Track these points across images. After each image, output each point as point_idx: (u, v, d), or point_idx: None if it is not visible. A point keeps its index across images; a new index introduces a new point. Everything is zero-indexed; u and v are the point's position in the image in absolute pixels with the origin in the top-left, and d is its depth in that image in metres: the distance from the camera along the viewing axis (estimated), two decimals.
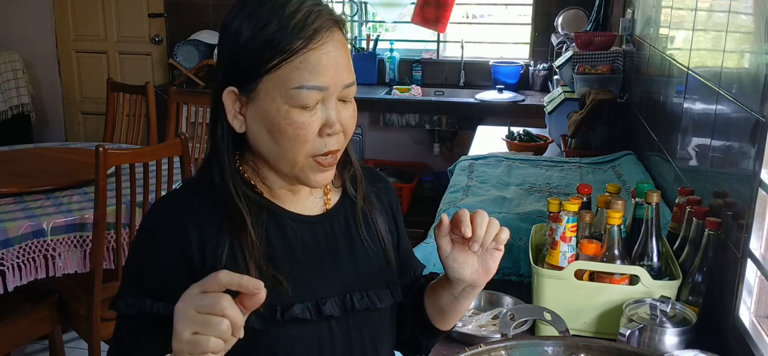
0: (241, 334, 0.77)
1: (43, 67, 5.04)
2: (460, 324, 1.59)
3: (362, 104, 4.29)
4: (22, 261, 2.37)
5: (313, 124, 0.97)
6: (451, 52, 4.75)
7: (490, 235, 0.96)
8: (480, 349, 1.01)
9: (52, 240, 2.41)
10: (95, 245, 2.42)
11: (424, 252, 1.86)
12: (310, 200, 1.09)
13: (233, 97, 1.00)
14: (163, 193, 2.58)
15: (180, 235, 0.97)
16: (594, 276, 1.58)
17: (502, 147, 3.13)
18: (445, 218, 0.98)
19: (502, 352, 1.02)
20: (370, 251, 1.10)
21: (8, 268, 2.32)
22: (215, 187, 1.02)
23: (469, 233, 0.94)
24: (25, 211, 2.46)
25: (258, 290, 0.75)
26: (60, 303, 2.64)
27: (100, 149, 2.33)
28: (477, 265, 0.99)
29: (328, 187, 1.12)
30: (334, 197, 1.11)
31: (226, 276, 0.75)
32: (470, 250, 0.95)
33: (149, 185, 2.53)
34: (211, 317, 0.75)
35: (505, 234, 0.98)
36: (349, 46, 1.06)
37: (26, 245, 2.37)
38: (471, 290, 1.04)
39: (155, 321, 0.95)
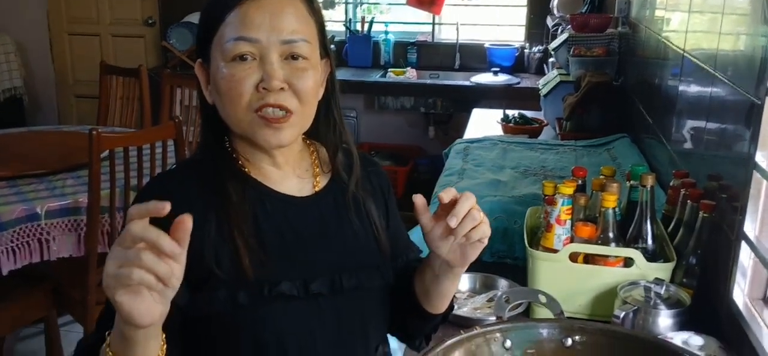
0: (176, 250, 0.75)
1: (35, 50, 5.00)
2: (455, 307, 1.59)
3: (357, 87, 4.30)
4: (17, 245, 2.36)
5: (246, 79, 0.98)
6: (446, 34, 4.73)
7: (466, 226, 0.95)
8: (475, 332, 1.01)
9: (46, 224, 2.40)
10: (90, 229, 2.41)
11: (420, 235, 1.86)
12: (298, 182, 1.09)
13: (202, 69, 1.05)
14: None
15: (168, 216, 0.98)
16: (589, 259, 1.58)
17: (497, 130, 3.13)
18: (419, 198, 0.98)
19: (498, 335, 1.02)
20: (359, 233, 1.10)
21: (2, 252, 2.32)
22: (203, 165, 1.03)
23: (446, 199, 0.95)
24: (18, 195, 2.45)
25: (161, 208, 0.74)
26: (55, 287, 2.63)
27: (94, 132, 2.32)
28: (455, 246, 1.00)
29: (316, 169, 1.11)
30: (322, 181, 1.11)
31: (135, 209, 0.75)
32: (449, 223, 0.95)
33: (143, 168, 2.52)
34: (128, 250, 0.74)
35: (486, 230, 0.98)
36: (313, 9, 1.05)
37: (20, 229, 2.36)
38: (449, 271, 1.04)
39: None
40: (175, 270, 0.76)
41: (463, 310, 1.60)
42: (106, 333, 0.85)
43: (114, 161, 2.41)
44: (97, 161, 2.33)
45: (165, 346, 0.85)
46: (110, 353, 0.83)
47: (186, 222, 0.76)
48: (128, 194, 2.50)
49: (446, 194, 0.96)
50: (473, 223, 0.96)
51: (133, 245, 0.74)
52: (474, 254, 1.00)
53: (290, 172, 1.08)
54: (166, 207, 0.75)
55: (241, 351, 1.01)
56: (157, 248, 0.74)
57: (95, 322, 1.01)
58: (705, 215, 1.49)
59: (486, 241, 0.99)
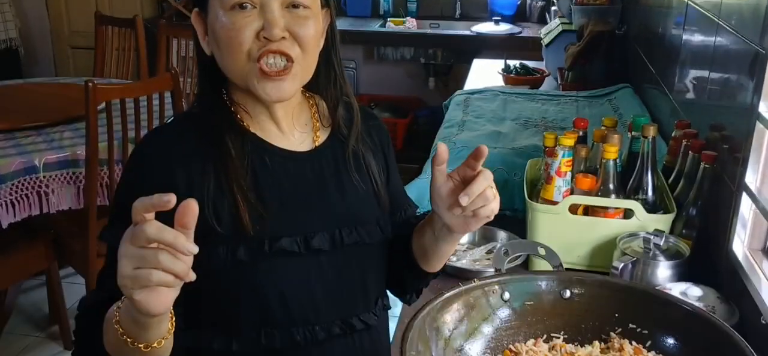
0: (193, 250, 0.74)
1: (30, 0, 4.92)
2: (454, 259, 1.59)
3: (356, 37, 4.24)
4: (16, 198, 2.36)
5: (246, 27, 0.95)
6: None
7: (476, 204, 0.94)
8: (474, 284, 1.01)
9: (44, 177, 2.40)
10: (88, 181, 2.41)
11: (419, 188, 1.85)
12: (297, 136, 1.07)
13: (199, 19, 1.02)
14: None
15: (166, 168, 0.97)
16: (588, 211, 1.58)
17: (498, 81, 3.10)
18: (443, 148, 0.96)
19: (496, 287, 1.02)
20: (359, 188, 1.09)
21: (2, 205, 2.31)
22: (201, 119, 1.02)
23: (463, 201, 0.92)
24: (16, 147, 2.44)
25: (167, 202, 0.72)
26: (55, 239, 2.64)
27: (90, 84, 2.29)
28: (459, 212, 0.98)
29: (316, 123, 1.10)
30: (322, 135, 1.09)
31: (139, 204, 0.73)
32: (458, 197, 0.93)
33: (141, 120, 2.51)
34: (144, 250, 0.73)
35: (495, 208, 0.96)
36: None
37: (19, 181, 2.36)
38: (449, 234, 1.03)
39: None
40: (191, 263, 0.75)
41: (461, 262, 1.60)
42: (115, 308, 0.83)
43: (111, 113, 2.39)
44: (94, 114, 2.31)
45: (173, 319, 0.85)
46: (120, 330, 0.82)
47: (193, 207, 0.74)
48: (126, 147, 2.49)
49: (478, 158, 0.92)
50: (484, 202, 0.93)
51: (147, 244, 0.73)
52: (477, 226, 0.99)
53: (290, 126, 1.07)
54: (172, 201, 0.72)
55: (241, 306, 1.01)
56: (174, 248, 0.73)
57: (96, 276, 1.01)
58: (706, 166, 1.48)
59: (493, 217, 0.97)
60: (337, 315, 1.05)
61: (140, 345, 0.82)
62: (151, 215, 0.73)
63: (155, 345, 0.83)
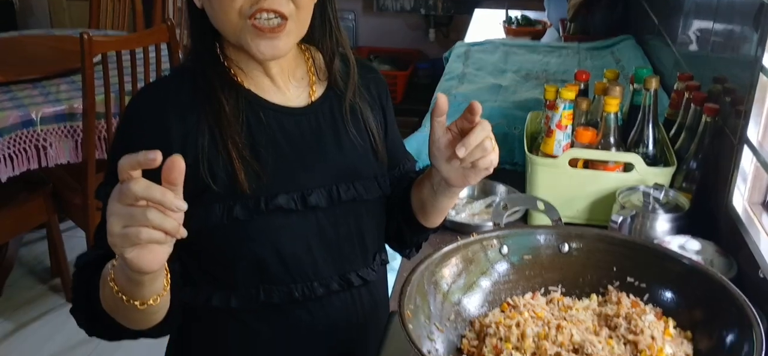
0: (182, 206, 0.73)
1: None
2: (452, 213, 1.59)
3: None
4: (14, 152, 2.36)
5: None
6: None
7: (474, 155, 0.92)
8: (472, 239, 1.00)
9: (42, 130, 2.39)
10: (86, 135, 2.40)
11: (418, 141, 1.84)
12: (293, 91, 1.05)
13: None
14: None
15: (161, 123, 0.95)
16: (588, 164, 1.57)
17: (500, 32, 3.06)
18: (443, 99, 0.94)
19: (495, 241, 1.02)
20: (356, 143, 1.07)
21: (0, 159, 2.31)
22: (196, 73, 1.00)
23: (460, 153, 0.91)
24: (13, 100, 2.42)
25: (153, 159, 0.70)
26: (55, 193, 2.65)
27: (85, 36, 2.26)
28: (458, 165, 0.97)
29: (312, 77, 1.08)
30: (318, 89, 1.07)
31: (125, 161, 0.72)
32: (456, 152, 0.91)
33: (137, 73, 2.48)
34: (132, 208, 0.72)
35: (494, 160, 0.95)
36: None
37: (16, 135, 2.35)
38: (448, 189, 1.02)
39: None
40: (181, 219, 0.74)
41: (460, 216, 1.60)
42: (109, 266, 0.82)
43: (107, 66, 2.36)
44: (90, 66, 2.29)
45: (169, 276, 0.85)
46: (115, 287, 0.82)
47: (179, 163, 0.72)
48: (123, 100, 2.47)
49: (473, 113, 0.91)
50: (483, 154, 0.92)
51: (136, 202, 0.71)
52: (476, 179, 0.97)
53: (285, 80, 1.04)
54: (158, 158, 0.71)
55: (239, 263, 1.00)
56: (162, 205, 0.72)
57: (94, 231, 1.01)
58: (708, 119, 1.46)
59: (492, 170, 0.96)
60: (336, 272, 1.05)
61: (135, 303, 0.82)
62: (138, 173, 0.72)
63: (151, 302, 0.83)
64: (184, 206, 0.73)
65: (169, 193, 0.72)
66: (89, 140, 2.40)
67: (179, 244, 0.89)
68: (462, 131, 0.93)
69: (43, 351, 2.58)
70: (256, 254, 1.00)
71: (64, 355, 2.56)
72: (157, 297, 0.83)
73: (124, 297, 0.81)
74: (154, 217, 0.72)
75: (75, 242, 3.13)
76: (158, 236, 0.73)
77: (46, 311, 2.79)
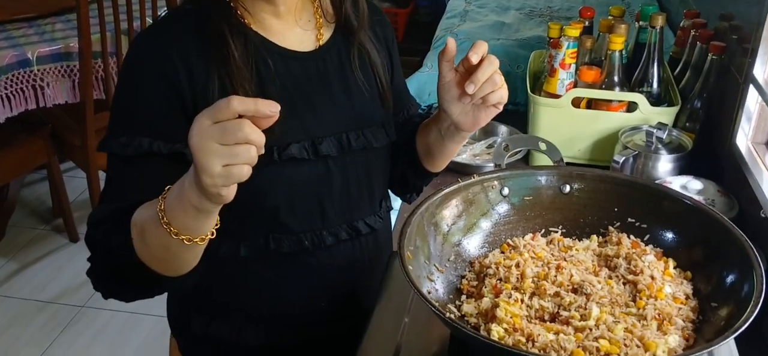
0: (276, 107, 0.73)
1: None
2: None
3: None
4: (11, 92, 2.34)
5: None
6: None
7: (484, 89, 0.91)
8: (473, 180, 1.00)
9: (38, 70, 2.36)
10: (83, 75, 2.37)
11: (420, 81, 1.82)
12: (300, 35, 1.02)
13: None
14: (149, 20, 2.49)
15: (167, 70, 0.92)
16: (592, 104, 1.55)
17: None
18: (452, 42, 0.92)
19: (495, 182, 1.01)
20: (364, 89, 1.05)
21: None
22: (200, 16, 0.95)
23: (475, 60, 0.89)
24: (8, 40, 2.39)
25: (274, 113, 0.71)
26: (54, 133, 2.63)
27: None
28: (468, 109, 0.95)
29: (319, 20, 1.04)
30: (326, 33, 1.04)
31: (239, 103, 0.71)
32: (466, 89, 0.90)
33: (133, 11, 2.44)
34: (238, 147, 0.71)
35: (504, 95, 0.93)
36: None
37: (13, 75, 2.32)
38: (456, 132, 1.01)
39: (154, 159, 0.91)
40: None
41: (461, 157, 1.59)
42: (157, 209, 0.80)
43: (102, 4, 2.32)
44: (85, 4, 2.25)
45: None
46: (172, 229, 0.80)
47: (277, 115, 0.72)
48: (119, 39, 2.43)
49: (475, 54, 0.89)
50: (493, 88, 0.90)
51: (235, 135, 0.70)
52: (486, 119, 0.96)
53: (292, 22, 1.01)
54: (277, 111, 0.71)
55: (249, 213, 0.99)
56: (256, 114, 0.71)
57: (106, 182, 0.97)
58: (714, 57, 1.44)
59: (501, 107, 0.94)
60: (344, 220, 1.05)
61: (196, 239, 0.80)
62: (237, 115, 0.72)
63: (209, 235, 0.82)
64: (278, 106, 0.72)
65: (260, 100, 0.71)
66: (86, 80, 2.37)
67: None
68: (469, 70, 0.91)
69: (48, 290, 2.61)
70: (268, 203, 0.98)
71: (68, 295, 2.59)
72: (214, 230, 0.82)
73: (183, 237, 0.80)
74: (252, 133, 0.70)
75: (76, 183, 3.14)
76: (254, 159, 0.72)
77: (50, 251, 2.81)
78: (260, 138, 0.71)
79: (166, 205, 0.80)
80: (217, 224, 0.82)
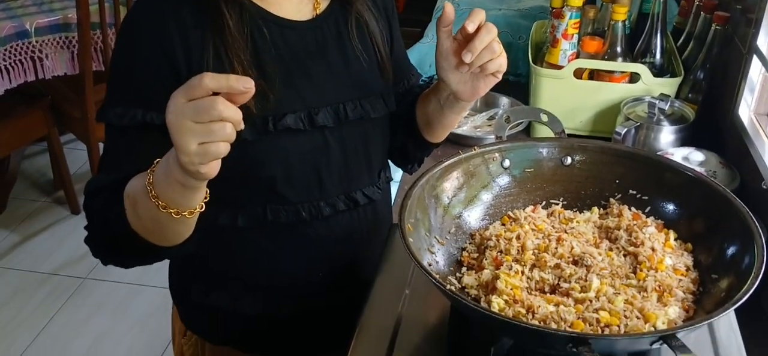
0: (243, 125, 0.73)
1: None
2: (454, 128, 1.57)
3: None
4: (10, 64, 2.33)
5: None
6: None
7: (483, 58, 0.90)
8: (474, 152, 0.99)
9: (37, 42, 2.35)
10: (82, 46, 2.36)
11: (420, 53, 1.81)
12: (296, 4, 1.00)
13: None
14: None
15: (163, 41, 0.91)
16: (594, 75, 1.54)
17: None
18: (449, 8, 0.91)
19: (496, 154, 1.01)
20: (362, 59, 1.04)
21: None
22: None
23: (471, 29, 0.88)
24: (6, 11, 2.37)
25: (248, 89, 0.70)
26: (53, 105, 2.63)
27: None
28: (467, 78, 0.94)
29: None
30: (323, 2, 1.03)
31: (211, 80, 0.70)
32: (463, 58, 0.89)
33: None
34: (212, 124, 0.70)
35: (503, 63, 0.92)
36: None
37: (11, 47, 2.32)
38: (455, 102, 1.00)
39: (148, 130, 0.91)
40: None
41: (462, 129, 1.58)
42: (146, 182, 0.80)
43: None
44: None
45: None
46: (160, 202, 0.79)
47: (252, 90, 0.71)
48: (118, 9, 2.41)
49: (472, 23, 0.88)
50: (491, 56, 0.89)
51: (206, 93, 0.70)
52: (485, 88, 0.95)
53: None
54: (252, 89, 0.70)
55: (246, 184, 0.99)
56: (229, 90, 0.70)
57: (99, 159, 0.97)
58: (717, 27, 1.43)
59: (500, 75, 0.93)
60: (342, 191, 1.04)
61: (184, 213, 0.80)
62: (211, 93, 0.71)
63: (198, 208, 0.82)
64: (252, 83, 0.71)
65: (233, 76, 0.70)
66: (85, 52, 2.36)
67: None
68: (467, 39, 0.90)
69: (50, 262, 2.63)
70: (264, 174, 0.98)
71: (70, 266, 2.61)
72: (202, 202, 0.82)
73: (171, 211, 0.80)
74: (226, 110, 0.70)
75: (76, 155, 3.14)
76: (232, 135, 0.71)
77: (51, 223, 2.82)
78: (235, 115, 0.71)
79: (155, 178, 0.80)
80: (206, 198, 0.82)
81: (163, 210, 0.79)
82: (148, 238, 0.87)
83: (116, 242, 0.90)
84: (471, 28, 0.88)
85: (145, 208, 0.82)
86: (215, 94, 0.70)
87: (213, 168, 0.74)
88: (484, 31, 0.88)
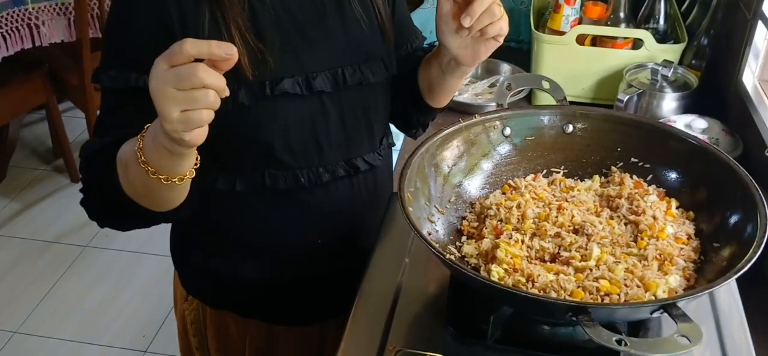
0: (227, 92, 0.71)
1: None
2: (456, 93, 1.56)
3: None
4: (6, 31, 2.31)
5: None
6: None
7: (482, 22, 0.88)
8: (474, 120, 0.98)
9: (33, 9, 2.32)
10: (78, 12, 2.33)
11: (421, 18, 1.78)
12: None
13: None
14: None
15: (158, 9, 0.89)
16: (596, 41, 1.52)
17: None
18: None
19: (497, 122, 1.00)
20: (362, 22, 1.02)
21: None
22: None
23: (466, 23, 0.86)
24: None
25: (230, 55, 0.69)
26: (51, 73, 2.61)
27: None
28: (467, 42, 0.93)
29: None
30: None
31: (192, 46, 0.68)
32: (462, 22, 0.87)
33: None
34: (195, 91, 0.69)
35: (504, 27, 0.90)
36: None
37: (8, 14, 2.29)
38: (457, 68, 0.98)
39: (141, 94, 0.90)
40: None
41: (463, 96, 1.57)
42: (135, 148, 0.79)
43: None
44: None
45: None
46: (150, 169, 0.79)
47: (235, 57, 0.70)
48: None
49: None
50: (491, 19, 0.88)
51: (190, 80, 0.69)
52: (486, 53, 0.93)
53: None
54: (235, 56, 0.69)
55: (244, 149, 0.98)
56: (212, 57, 0.69)
57: (95, 121, 0.97)
58: None
59: (501, 39, 0.92)
60: (342, 157, 1.03)
61: (174, 180, 0.80)
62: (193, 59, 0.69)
63: (188, 175, 0.81)
64: (234, 49, 0.70)
65: (214, 43, 0.69)
66: (82, 18, 2.33)
67: None
68: (467, 2, 0.88)
69: (51, 230, 2.63)
70: (262, 139, 0.97)
71: (71, 235, 2.61)
72: (193, 169, 0.81)
73: (161, 177, 0.79)
74: (208, 77, 0.69)
75: (75, 123, 3.12)
76: (216, 103, 0.70)
77: (52, 191, 2.82)
78: (219, 81, 0.69)
79: (144, 144, 0.79)
80: (196, 164, 0.81)
81: (152, 176, 0.79)
82: (141, 203, 0.87)
83: (111, 206, 0.90)
84: None
85: (136, 174, 0.81)
86: (199, 60, 0.69)
87: (197, 136, 0.73)
88: None
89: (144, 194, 0.86)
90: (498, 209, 0.92)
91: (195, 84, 0.69)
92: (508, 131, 1.00)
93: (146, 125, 0.79)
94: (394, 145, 1.17)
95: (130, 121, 0.87)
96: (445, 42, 0.94)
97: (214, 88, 0.70)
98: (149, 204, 0.87)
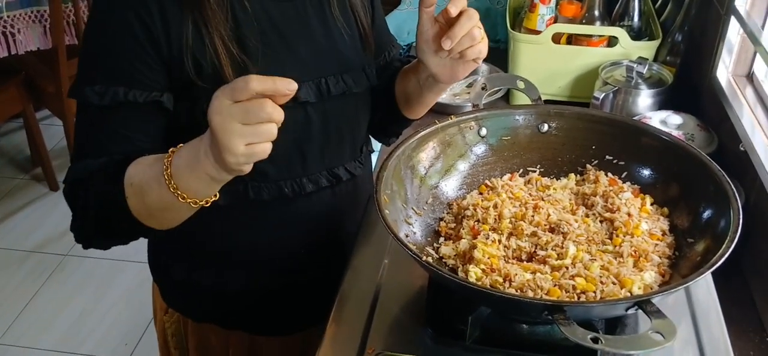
0: (294, 85, 0.75)
1: None
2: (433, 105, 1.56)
3: None
4: None
5: None
6: None
7: (463, 44, 0.88)
8: (450, 121, 0.98)
9: (8, 16, 2.30)
10: (54, 19, 2.31)
11: (397, 20, 1.78)
12: None
13: None
14: None
15: (141, 12, 0.88)
16: (572, 39, 1.53)
17: None
18: None
19: (473, 123, 1.00)
20: (344, 32, 1.02)
21: None
22: None
23: (454, 13, 0.87)
24: None
25: (292, 90, 0.73)
26: (27, 81, 2.58)
27: None
28: (447, 62, 0.93)
29: None
30: None
31: (258, 84, 0.72)
32: (442, 45, 0.87)
33: None
34: (260, 126, 0.73)
35: (483, 50, 0.91)
36: None
37: None
38: (434, 84, 0.99)
39: (131, 109, 0.89)
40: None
41: (441, 97, 1.57)
42: (162, 169, 0.81)
43: None
44: None
45: None
46: (181, 193, 0.81)
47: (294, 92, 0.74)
48: None
49: (454, 6, 0.87)
50: (471, 43, 0.88)
51: (258, 115, 0.72)
52: (464, 73, 0.94)
53: None
54: (294, 88, 0.73)
55: None
56: (275, 93, 0.73)
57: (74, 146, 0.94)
58: None
59: (480, 61, 0.93)
60: (325, 167, 1.03)
61: (201, 202, 0.83)
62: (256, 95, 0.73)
63: (213, 197, 0.84)
64: (295, 85, 0.74)
65: (279, 79, 0.73)
66: (58, 25, 2.31)
67: (167, 142, 0.86)
68: (449, 22, 0.88)
69: (30, 239, 2.60)
70: None
71: (51, 244, 2.58)
72: (218, 192, 0.84)
73: (190, 201, 0.82)
74: (275, 113, 0.73)
75: (53, 131, 3.09)
76: (275, 136, 0.74)
77: (31, 200, 2.78)
78: (281, 115, 0.74)
79: (174, 170, 0.81)
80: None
81: (181, 200, 0.81)
82: (147, 222, 0.87)
83: (108, 227, 0.90)
84: (454, 11, 0.87)
85: (158, 196, 0.82)
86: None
87: (251, 164, 0.77)
88: (465, 18, 0.87)
89: (159, 215, 0.86)
90: (475, 210, 0.92)
91: (262, 119, 0.73)
92: (483, 131, 1.01)
93: (171, 149, 0.81)
94: (373, 151, 1.17)
95: (122, 137, 0.88)
96: (424, 60, 0.94)
97: (277, 121, 0.74)
98: (157, 223, 0.88)
